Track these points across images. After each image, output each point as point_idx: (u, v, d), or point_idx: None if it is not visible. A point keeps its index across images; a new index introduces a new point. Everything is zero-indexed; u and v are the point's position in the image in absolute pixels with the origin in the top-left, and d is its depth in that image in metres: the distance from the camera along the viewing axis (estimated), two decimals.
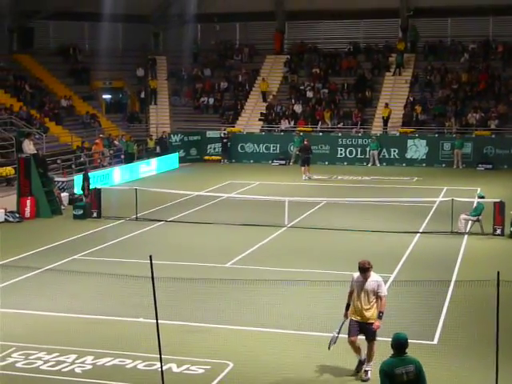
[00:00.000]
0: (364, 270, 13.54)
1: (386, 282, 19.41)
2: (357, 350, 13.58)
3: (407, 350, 10.05)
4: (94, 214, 29.17)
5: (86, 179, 32.21)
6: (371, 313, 13.37)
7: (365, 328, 13.43)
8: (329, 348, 13.53)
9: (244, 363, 14.14)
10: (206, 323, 16.52)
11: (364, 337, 13.53)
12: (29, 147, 32.92)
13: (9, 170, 33.82)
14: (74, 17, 51.98)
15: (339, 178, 40.24)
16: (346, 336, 13.44)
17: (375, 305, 13.39)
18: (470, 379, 13.48)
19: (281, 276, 19.61)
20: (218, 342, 15.27)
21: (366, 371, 13.39)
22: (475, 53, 50.95)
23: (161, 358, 11.47)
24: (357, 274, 13.66)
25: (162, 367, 11.48)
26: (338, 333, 13.48)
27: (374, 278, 13.53)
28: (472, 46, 51.14)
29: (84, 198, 31.11)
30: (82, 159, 40.34)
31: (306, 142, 41.69)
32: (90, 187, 31.17)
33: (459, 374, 13.59)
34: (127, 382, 13.37)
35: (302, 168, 40.29)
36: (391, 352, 10.16)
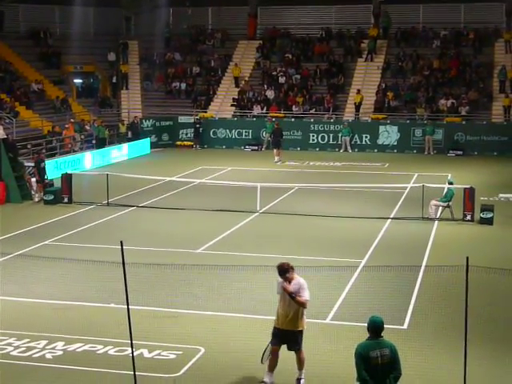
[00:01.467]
0: (283, 271, 12.35)
1: (356, 267, 19.64)
2: (274, 363, 12.64)
3: (383, 334, 10.10)
4: (65, 200, 29.01)
5: (37, 165, 30.56)
6: (295, 320, 12.43)
7: (289, 337, 12.55)
8: (262, 362, 12.80)
9: (215, 348, 14.19)
10: (177, 309, 16.54)
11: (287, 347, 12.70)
12: None
13: None
14: (44, 0, 51.47)
15: (311, 163, 40.31)
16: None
17: (299, 311, 12.42)
18: (440, 363, 13.60)
19: (252, 261, 19.63)
20: (190, 328, 15.28)
21: (299, 379, 12.70)
22: (447, 39, 51.11)
23: (132, 343, 11.46)
24: (280, 279, 12.50)
25: (132, 353, 11.47)
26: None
27: (296, 280, 12.42)
28: (444, 33, 51.29)
29: (35, 186, 30.22)
30: (52, 144, 40.07)
31: (276, 126, 42.37)
32: (46, 174, 30.60)
33: (429, 358, 13.71)
34: (98, 367, 13.36)
35: (274, 150, 40.80)
36: (364, 338, 10.22)
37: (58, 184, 30.48)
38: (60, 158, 36.96)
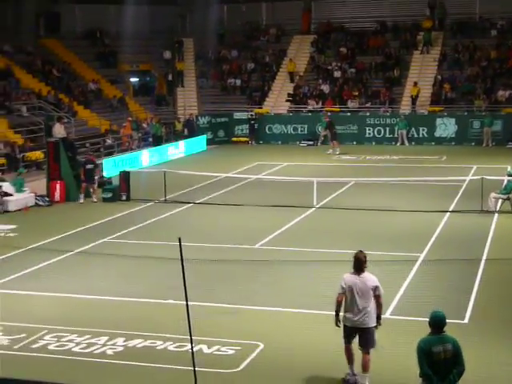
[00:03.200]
0: (361, 266, 12.28)
1: (415, 261, 19.47)
2: (352, 359, 12.52)
3: (445, 329, 9.97)
4: (123, 197, 29.27)
5: (83, 166, 30.05)
6: (371, 315, 12.28)
7: (362, 334, 12.35)
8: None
9: (274, 344, 14.18)
10: (235, 304, 16.55)
11: (359, 345, 12.43)
12: (59, 131, 33.14)
13: (38, 155, 34.07)
14: (99, 0, 51.99)
15: (367, 157, 40.06)
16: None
17: (374, 306, 12.33)
18: (502, 358, 13.41)
19: (310, 257, 19.58)
20: (249, 323, 15.31)
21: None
22: (504, 29, 50.39)
23: (191, 339, 11.50)
24: (348, 275, 12.39)
25: (192, 348, 11.50)
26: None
27: (369, 275, 12.36)
28: (501, 23, 50.57)
29: (82, 185, 29.95)
30: (110, 142, 40.48)
31: (326, 119, 43.31)
32: (96, 175, 30.08)
33: (490, 353, 13.53)
34: (158, 363, 13.45)
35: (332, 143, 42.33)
36: (424, 332, 10.10)
37: (116, 182, 30.80)
38: (118, 156, 37.32)
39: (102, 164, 34.34)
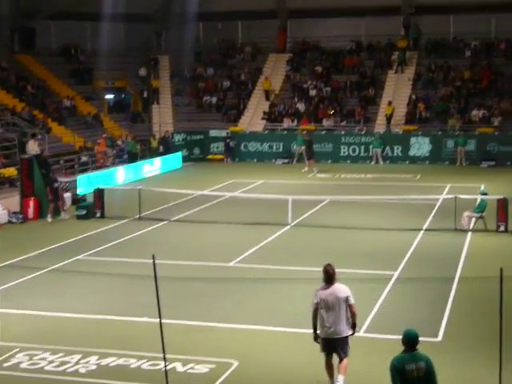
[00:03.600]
0: (331, 279, 12.62)
1: (389, 279, 19.54)
2: (332, 372, 12.77)
3: (418, 347, 10.01)
4: (98, 214, 29.17)
5: (49, 184, 29.59)
6: (345, 326, 12.59)
7: (337, 344, 12.62)
8: None
9: (248, 362, 14.15)
10: (210, 322, 16.51)
11: (336, 352, 12.72)
12: (33, 147, 32.98)
13: (11, 171, 33.85)
14: (75, 16, 51.84)
15: (342, 176, 40.20)
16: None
17: (347, 316, 12.62)
18: (475, 376, 13.46)
19: (285, 274, 19.59)
20: (223, 341, 15.27)
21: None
22: (478, 50, 50.90)
23: (165, 357, 11.47)
24: (320, 289, 12.68)
25: (166, 366, 11.47)
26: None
27: (340, 286, 12.69)
28: (474, 43, 51.09)
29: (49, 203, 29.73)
30: (84, 159, 40.34)
31: (306, 137, 43.10)
32: (58, 192, 29.49)
33: (464, 371, 13.58)
34: (131, 381, 13.37)
35: (308, 162, 42.03)
36: (398, 350, 10.13)
37: (90, 199, 30.68)
38: (92, 173, 37.19)
39: (75, 181, 34.20)
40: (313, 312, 12.67)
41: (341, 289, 12.65)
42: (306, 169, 41.69)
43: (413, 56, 51.46)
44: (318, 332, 12.68)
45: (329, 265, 12.75)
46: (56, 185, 29.51)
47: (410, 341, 9.99)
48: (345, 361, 12.67)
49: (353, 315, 12.68)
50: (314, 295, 12.68)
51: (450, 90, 48.21)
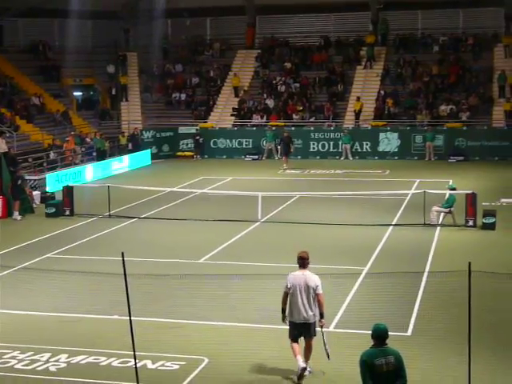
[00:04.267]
0: (304, 262, 13.27)
1: (359, 274, 19.63)
2: (297, 351, 13.28)
3: (387, 341, 10.05)
4: (67, 212, 29.00)
5: (14, 182, 29.38)
6: (313, 311, 13.14)
7: (306, 328, 13.21)
8: (329, 358, 13.22)
9: (219, 358, 14.15)
10: (180, 319, 16.49)
11: (303, 336, 13.32)
12: (1, 145, 32.72)
13: None
14: (43, 14, 51.60)
15: (312, 171, 40.30)
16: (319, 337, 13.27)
17: (315, 303, 13.15)
18: (444, 369, 13.57)
19: (255, 270, 19.60)
20: (193, 338, 15.27)
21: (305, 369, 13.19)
22: (446, 45, 51.19)
23: (135, 354, 11.45)
24: (294, 272, 13.32)
25: (136, 364, 11.45)
26: (325, 343, 13.20)
27: (311, 274, 13.27)
28: (442, 39, 51.34)
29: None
30: (53, 157, 40.10)
31: (285, 134, 42.70)
32: (20, 189, 29.27)
33: (433, 365, 13.69)
34: (102, 379, 13.34)
35: (283, 157, 41.70)
36: (368, 345, 10.17)
37: (59, 197, 30.51)
38: (61, 171, 36.97)
39: (44, 179, 34.01)
40: (283, 295, 13.26)
41: (311, 277, 13.20)
42: (285, 165, 41.18)
43: (381, 52, 51.64)
44: (287, 315, 13.29)
45: (304, 251, 13.43)
46: (19, 182, 29.25)
47: (379, 335, 10.02)
48: (309, 344, 13.32)
49: (320, 305, 13.15)
50: (287, 279, 13.26)
51: (419, 86, 48.45)
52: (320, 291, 13.14)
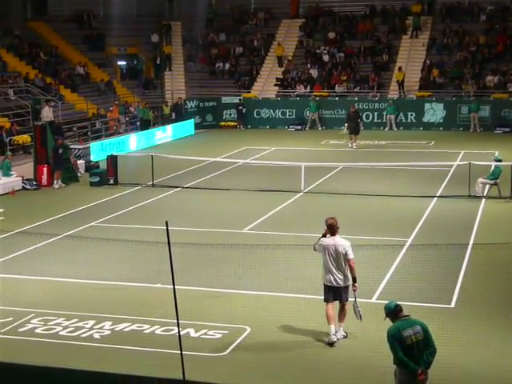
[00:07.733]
0: (333, 229, 13.56)
1: (403, 246, 19.52)
2: (332, 319, 13.53)
3: (409, 313, 10.02)
4: (111, 181, 29.21)
5: (55, 151, 29.52)
6: (344, 276, 13.44)
7: (340, 292, 13.51)
8: (361, 319, 13.43)
9: (261, 328, 14.19)
10: (223, 288, 16.57)
11: (337, 299, 13.64)
12: (47, 114, 32.95)
13: (25, 138, 33.90)
14: None
15: (356, 142, 39.99)
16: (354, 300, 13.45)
17: (347, 267, 13.43)
18: (488, 342, 13.45)
19: (298, 241, 19.59)
20: (236, 307, 15.30)
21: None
22: (493, 14, 50.34)
23: (178, 322, 11.50)
24: (325, 239, 13.62)
25: (179, 332, 11.50)
26: (356, 305, 13.38)
27: (341, 240, 13.58)
28: (490, 8, 50.51)
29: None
30: (97, 126, 40.35)
31: (352, 109, 38.96)
32: (61, 159, 29.46)
33: (476, 337, 13.57)
34: (145, 346, 13.46)
35: (350, 136, 38.51)
36: (413, 317, 10.13)
37: (103, 166, 30.72)
38: (105, 140, 37.20)
39: (88, 148, 34.25)
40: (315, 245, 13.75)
41: (341, 242, 13.49)
42: (350, 144, 38.34)
43: (427, 21, 50.96)
44: (322, 279, 13.66)
45: (332, 218, 13.71)
46: (60, 151, 29.47)
47: (393, 311, 10.15)
48: (345, 307, 13.57)
49: (351, 269, 13.37)
50: (318, 244, 13.64)
51: (465, 56, 47.78)
52: (351, 256, 13.36)
